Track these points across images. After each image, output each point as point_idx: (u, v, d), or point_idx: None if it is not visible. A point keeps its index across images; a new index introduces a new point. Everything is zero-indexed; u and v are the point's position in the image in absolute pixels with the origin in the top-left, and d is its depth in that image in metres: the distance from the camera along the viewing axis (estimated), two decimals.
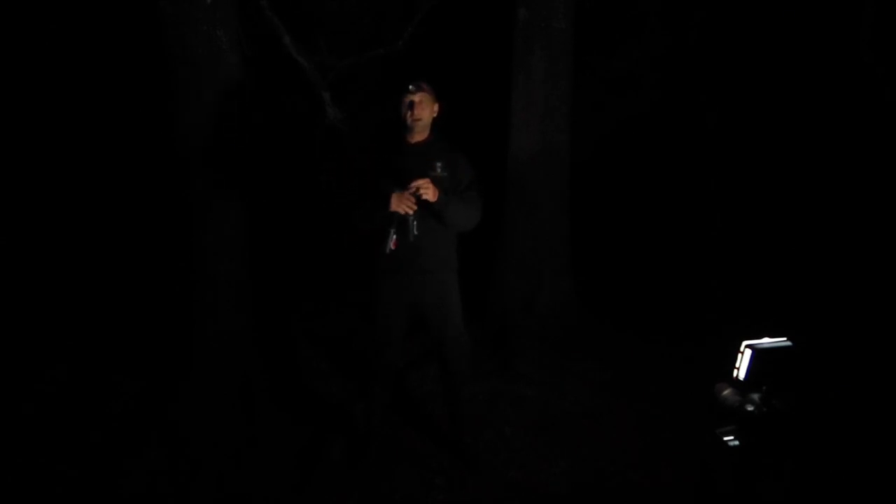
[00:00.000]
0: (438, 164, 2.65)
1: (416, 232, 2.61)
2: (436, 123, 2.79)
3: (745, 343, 1.68)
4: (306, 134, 5.09)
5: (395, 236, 2.61)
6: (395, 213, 2.58)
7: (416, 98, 2.67)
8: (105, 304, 4.71)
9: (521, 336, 4.42)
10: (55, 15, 4.79)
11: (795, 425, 1.67)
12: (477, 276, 4.36)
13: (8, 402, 3.43)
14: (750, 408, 1.66)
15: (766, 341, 1.68)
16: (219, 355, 3.70)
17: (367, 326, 2.89)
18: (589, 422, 3.37)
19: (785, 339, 1.70)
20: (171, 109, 3.60)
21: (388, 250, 2.61)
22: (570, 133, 4.69)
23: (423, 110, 2.69)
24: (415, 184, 2.52)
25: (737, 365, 1.69)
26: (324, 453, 3.05)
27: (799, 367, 1.68)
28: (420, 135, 2.74)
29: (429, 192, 2.54)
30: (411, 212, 2.56)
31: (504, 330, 4.56)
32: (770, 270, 5.14)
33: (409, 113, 2.67)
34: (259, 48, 3.79)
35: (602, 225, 6.27)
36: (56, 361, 3.85)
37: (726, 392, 1.72)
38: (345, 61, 4.00)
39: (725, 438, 1.69)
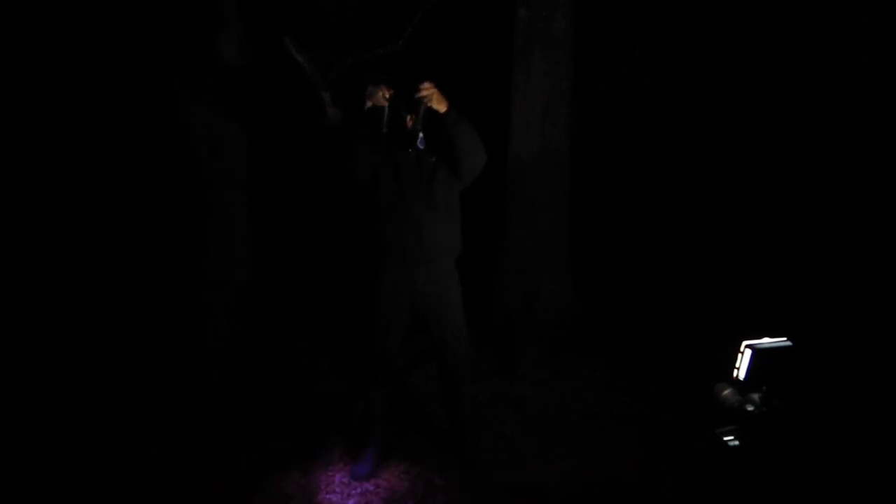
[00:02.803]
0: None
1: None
2: None
3: (745, 343, 1.68)
4: (306, 134, 5.09)
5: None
6: (378, 109, 2.56)
7: None
8: (105, 304, 4.70)
9: (521, 336, 4.42)
10: (56, 14, 4.79)
11: (795, 425, 1.67)
12: (477, 276, 4.36)
13: (8, 402, 3.43)
14: (750, 408, 1.67)
15: (766, 341, 1.68)
16: (219, 355, 3.70)
17: (368, 326, 2.89)
18: (589, 422, 3.37)
19: (785, 339, 1.70)
20: (171, 110, 3.61)
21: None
22: (570, 133, 4.69)
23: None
24: (422, 86, 2.46)
25: (737, 365, 1.69)
26: (324, 453, 3.05)
27: (799, 367, 1.68)
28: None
29: (434, 99, 2.47)
30: (384, 103, 2.53)
31: (504, 330, 4.56)
32: (770, 270, 5.14)
33: (408, 118, 2.73)
34: (259, 48, 3.80)
35: (602, 225, 6.27)
36: (56, 362, 3.85)
37: (726, 392, 1.72)
38: (345, 61, 4.00)
39: (725, 438, 1.69)
